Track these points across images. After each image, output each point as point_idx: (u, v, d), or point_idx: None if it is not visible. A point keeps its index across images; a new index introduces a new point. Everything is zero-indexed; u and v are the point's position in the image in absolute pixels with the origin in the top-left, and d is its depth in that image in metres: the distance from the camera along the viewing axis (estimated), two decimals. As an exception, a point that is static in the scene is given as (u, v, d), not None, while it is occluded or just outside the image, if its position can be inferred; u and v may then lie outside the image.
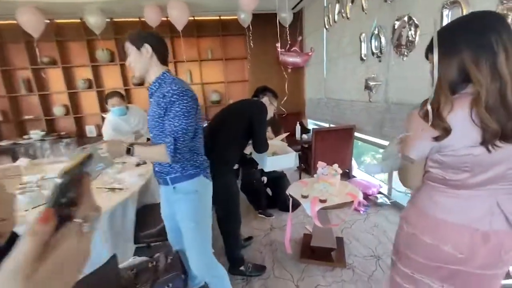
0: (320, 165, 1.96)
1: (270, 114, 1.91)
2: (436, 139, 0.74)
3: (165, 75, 1.20)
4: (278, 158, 2.01)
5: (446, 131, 0.72)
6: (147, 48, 1.14)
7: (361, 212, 2.62)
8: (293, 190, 1.95)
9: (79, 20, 3.84)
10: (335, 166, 1.95)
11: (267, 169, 1.98)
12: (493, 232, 0.78)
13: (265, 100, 1.92)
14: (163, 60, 1.21)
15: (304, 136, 3.99)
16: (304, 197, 1.82)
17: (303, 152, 3.44)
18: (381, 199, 2.74)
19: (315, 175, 1.97)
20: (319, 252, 1.98)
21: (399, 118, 2.43)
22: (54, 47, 3.94)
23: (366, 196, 2.88)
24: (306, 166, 3.37)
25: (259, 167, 2.06)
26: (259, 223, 2.56)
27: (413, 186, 0.93)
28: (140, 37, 1.15)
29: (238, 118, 1.77)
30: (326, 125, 4.12)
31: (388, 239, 2.18)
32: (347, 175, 3.36)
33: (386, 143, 2.79)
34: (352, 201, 1.75)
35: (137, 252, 1.84)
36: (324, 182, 1.87)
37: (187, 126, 1.11)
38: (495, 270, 0.83)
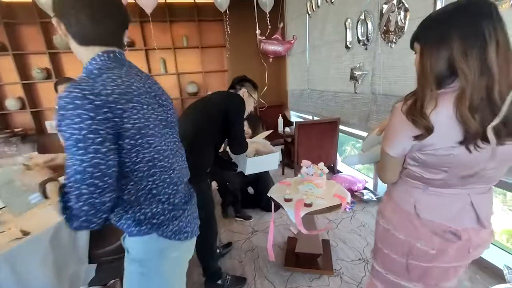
0: (305, 163, 1.77)
1: (249, 108, 1.68)
2: (417, 137, 0.71)
3: (93, 63, 0.69)
4: (261, 160, 1.80)
5: (428, 130, 0.68)
6: (55, 22, 0.70)
7: (347, 209, 2.50)
8: (276, 192, 1.75)
9: (30, 0, 3.35)
10: (321, 165, 1.77)
11: (248, 172, 1.76)
12: (463, 229, 0.79)
13: (242, 92, 1.68)
14: (85, 38, 0.69)
15: (287, 129, 3.81)
16: (288, 200, 1.63)
17: (286, 146, 3.26)
18: (367, 195, 2.63)
19: (299, 175, 1.78)
20: (304, 259, 1.82)
21: (386, 110, 2.29)
22: (1, 31, 3.42)
23: (351, 192, 2.76)
24: (289, 162, 3.20)
25: (238, 170, 1.84)
26: (239, 226, 2.36)
27: (390, 181, 0.90)
28: (52, 4, 0.69)
29: (213, 113, 1.53)
30: (310, 117, 3.96)
31: (376, 239, 2.06)
32: (332, 170, 3.22)
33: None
34: (340, 204, 1.59)
35: (99, 271, 1.59)
36: (309, 183, 1.69)
37: (84, 167, 0.59)
38: (459, 263, 0.85)
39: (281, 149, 3.46)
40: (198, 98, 1.68)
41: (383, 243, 0.92)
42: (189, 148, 1.45)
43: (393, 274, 0.91)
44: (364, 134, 2.74)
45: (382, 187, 2.69)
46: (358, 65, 2.55)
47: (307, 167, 1.75)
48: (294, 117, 4.73)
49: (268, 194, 1.77)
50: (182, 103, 4.39)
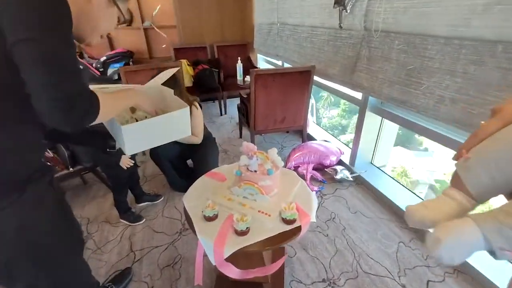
0: (246, 149, 1.02)
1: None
2: None
3: None
4: (148, 126, 0.84)
5: None
6: None
7: (314, 192, 1.89)
8: (194, 197, 1.03)
9: None
10: (273, 153, 1.03)
11: (129, 150, 0.85)
12: None
13: None
14: None
15: (248, 78, 2.93)
16: (210, 219, 0.92)
17: (242, 102, 2.44)
18: (341, 172, 2.01)
19: (234, 171, 1.03)
20: (242, 287, 1.22)
21: (384, 58, 1.50)
22: None
23: (322, 168, 2.13)
24: (246, 121, 2.43)
25: (118, 146, 0.98)
26: (164, 223, 1.68)
27: None
28: None
29: None
30: (280, 63, 3.07)
31: (348, 243, 1.49)
32: (300, 135, 2.53)
33: (357, 95, 1.92)
34: (299, 227, 0.91)
35: None
36: (248, 185, 0.97)
37: None
38: None
39: (237, 106, 2.64)
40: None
41: None
42: None
43: None
44: (347, 91, 1.98)
45: (361, 162, 2.07)
46: (348, -19, 1.63)
47: (248, 157, 1.01)
48: (262, 62, 3.79)
49: (183, 200, 1.04)
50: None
